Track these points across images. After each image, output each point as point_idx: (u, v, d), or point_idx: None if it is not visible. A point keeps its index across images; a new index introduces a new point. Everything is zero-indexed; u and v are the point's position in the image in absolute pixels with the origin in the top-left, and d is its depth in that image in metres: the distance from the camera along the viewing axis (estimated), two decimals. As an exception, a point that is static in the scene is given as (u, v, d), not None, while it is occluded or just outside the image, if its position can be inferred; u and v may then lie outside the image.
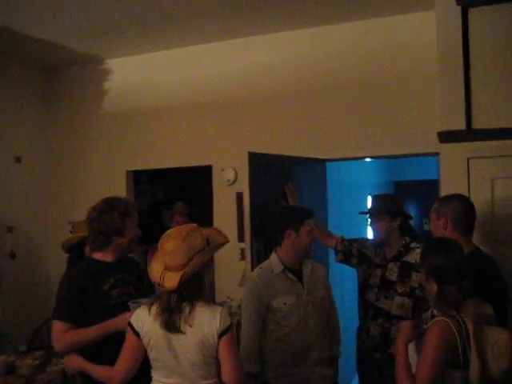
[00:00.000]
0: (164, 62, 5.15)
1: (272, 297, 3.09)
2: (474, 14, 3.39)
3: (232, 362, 2.31)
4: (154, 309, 2.35)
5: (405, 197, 9.01)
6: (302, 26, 4.55)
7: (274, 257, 3.22)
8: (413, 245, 3.44)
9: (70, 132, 5.54)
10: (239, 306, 4.11)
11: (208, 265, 2.43)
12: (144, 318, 2.37)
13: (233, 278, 4.50)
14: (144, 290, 2.83)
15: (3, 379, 3.76)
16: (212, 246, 2.43)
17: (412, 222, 3.70)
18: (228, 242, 2.53)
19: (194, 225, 2.47)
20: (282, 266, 3.16)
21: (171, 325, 2.30)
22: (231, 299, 4.34)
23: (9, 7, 4.03)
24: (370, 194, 4.63)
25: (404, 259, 3.43)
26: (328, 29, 4.52)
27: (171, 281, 2.30)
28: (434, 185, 4.21)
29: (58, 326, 2.73)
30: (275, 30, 4.65)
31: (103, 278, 2.82)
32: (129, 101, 5.28)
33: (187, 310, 2.31)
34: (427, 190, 6.92)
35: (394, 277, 3.43)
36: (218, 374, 2.34)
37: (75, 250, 3.73)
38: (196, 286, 2.36)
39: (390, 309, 3.39)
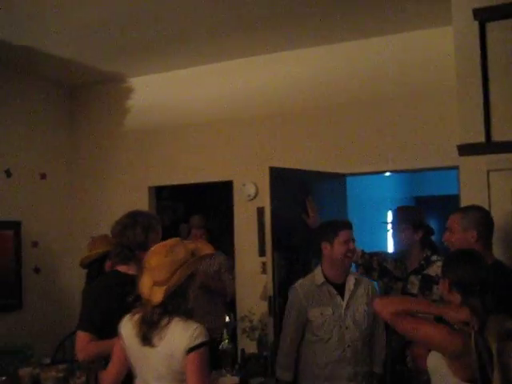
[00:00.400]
0: (185, 80, 5.25)
1: (310, 307, 3.20)
2: (492, 27, 3.41)
3: (194, 381, 2.27)
4: (137, 317, 2.39)
5: (425, 212, 8.97)
6: (322, 42, 4.62)
7: (318, 269, 3.34)
8: (434, 258, 3.41)
9: (93, 149, 5.66)
10: (260, 320, 4.14)
11: (192, 277, 2.43)
12: (126, 322, 2.44)
13: (254, 292, 4.53)
14: None
15: (29, 391, 3.83)
16: (195, 258, 2.45)
17: (433, 237, 3.65)
18: (213, 252, 2.59)
19: (177, 239, 2.49)
20: (323, 279, 3.26)
21: (146, 338, 2.33)
22: (253, 313, 4.36)
23: (34, 27, 4.18)
24: (390, 209, 4.62)
25: (425, 272, 3.38)
26: (348, 45, 4.59)
27: (157, 296, 2.34)
28: (454, 200, 4.19)
29: (81, 336, 2.78)
30: (295, 47, 4.72)
31: (127, 290, 2.87)
32: (150, 118, 5.38)
33: (164, 323, 2.32)
34: (448, 205, 6.88)
35: (415, 290, 3.40)
36: None
37: (94, 266, 3.79)
38: (180, 300, 2.38)
39: None
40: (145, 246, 2.82)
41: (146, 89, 5.44)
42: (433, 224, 9.16)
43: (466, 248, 2.72)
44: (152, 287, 2.38)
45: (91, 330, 2.76)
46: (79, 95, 5.76)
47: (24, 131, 5.21)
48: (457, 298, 2.33)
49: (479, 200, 3.33)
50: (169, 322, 2.33)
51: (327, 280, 3.26)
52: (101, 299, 2.82)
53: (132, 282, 2.87)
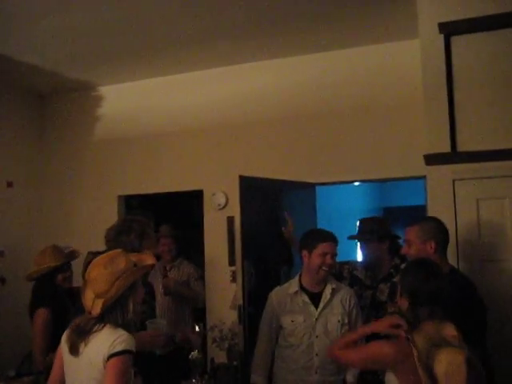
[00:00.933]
0: (154, 89, 5.25)
1: (283, 314, 3.29)
2: (457, 41, 3.51)
3: None
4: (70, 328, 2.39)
5: (394, 222, 9.08)
6: (291, 53, 4.68)
7: (296, 277, 3.39)
8: (403, 266, 3.36)
9: (62, 157, 5.60)
10: (230, 329, 4.12)
11: (133, 288, 2.40)
12: (66, 332, 2.42)
13: (224, 300, 4.52)
14: (154, 307, 2.96)
15: (-8, 404, 3.75)
16: (134, 269, 2.42)
17: (401, 242, 3.71)
18: (153, 264, 2.57)
19: (119, 250, 2.47)
20: (297, 288, 3.31)
21: (73, 347, 2.32)
22: (223, 322, 4.33)
23: (2, 34, 4.12)
24: (359, 220, 4.69)
25: (394, 280, 3.37)
26: (318, 56, 4.66)
27: (97, 308, 2.32)
28: (422, 210, 4.27)
29: None
30: (266, 58, 4.77)
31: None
32: (120, 127, 5.36)
33: (93, 331, 2.31)
34: (416, 215, 6.99)
35: (384, 297, 3.43)
36: None
37: (42, 280, 3.72)
38: (119, 311, 2.36)
39: None
40: (139, 252, 2.81)
41: (116, 98, 5.42)
42: (401, 233, 9.28)
43: (422, 258, 2.78)
44: (94, 299, 2.35)
45: None
46: (49, 103, 5.70)
47: (-9, 138, 5.13)
48: (404, 303, 2.41)
49: (445, 209, 3.42)
50: (97, 330, 2.31)
51: (303, 288, 3.31)
52: None
53: None
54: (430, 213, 3.63)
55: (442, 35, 3.53)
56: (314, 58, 4.66)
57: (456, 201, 3.46)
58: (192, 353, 4.06)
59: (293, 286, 3.34)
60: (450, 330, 2.29)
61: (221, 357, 4.17)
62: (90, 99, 5.50)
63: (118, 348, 2.24)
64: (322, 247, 3.24)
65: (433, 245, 2.90)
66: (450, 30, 3.49)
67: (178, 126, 5.12)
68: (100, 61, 4.80)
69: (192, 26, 4.10)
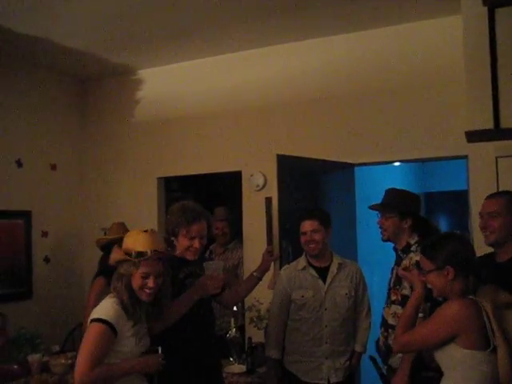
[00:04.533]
0: (193, 71, 5.27)
1: (293, 290, 3.46)
2: (501, 13, 3.41)
3: (81, 349, 2.39)
4: None
5: (436, 208, 8.95)
6: (330, 32, 4.61)
7: (303, 255, 3.55)
8: (413, 248, 3.14)
9: (103, 140, 5.69)
10: (268, 310, 4.14)
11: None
12: None
13: (262, 281, 4.53)
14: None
15: (38, 376, 3.88)
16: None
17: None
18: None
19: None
20: (305, 264, 3.50)
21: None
22: (260, 303, 4.35)
23: (44, 18, 4.19)
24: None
25: (401, 265, 3.15)
26: (354, 35, 4.58)
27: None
28: (465, 196, 4.16)
29: None
30: (302, 38, 4.72)
31: (179, 267, 2.95)
32: (160, 109, 5.41)
33: None
34: (458, 200, 6.85)
35: (391, 283, 3.26)
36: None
37: (107, 250, 3.82)
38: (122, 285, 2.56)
39: (387, 317, 3.20)
40: (176, 235, 2.97)
41: (155, 80, 5.47)
42: (443, 219, 9.14)
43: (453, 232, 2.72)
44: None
45: None
46: (90, 87, 5.80)
47: (35, 122, 5.25)
48: (451, 271, 2.32)
49: (488, 187, 3.33)
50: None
51: (311, 264, 3.49)
52: None
53: (181, 262, 2.96)
54: (472, 192, 3.56)
55: (486, 7, 3.43)
56: (353, 37, 4.58)
57: (499, 179, 3.38)
58: (229, 332, 4.13)
59: (301, 262, 3.52)
60: (505, 295, 2.30)
61: (258, 336, 4.21)
62: (129, 83, 5.56)
63: (95, 316, 2.43)
64: (302, 226, 3.46)
65: None
66: (493, 1, 3.39)
67: (217, 108, 5.13)
68: (139, 44, 4.83)
69: (233, 6, 4.07)
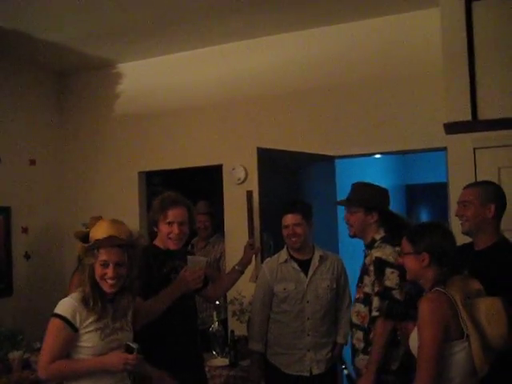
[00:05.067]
0: (174, 65, 5.24)
1: (275, 283, 3.46)
2: (478, 6, 3.44)
3: (43, 344, 2.44)
4: None
5: (416, 200, 9.04)
6: (309, 26, 4.61)
7: (284, 248, 3.56)
8: (377, 244, 3.08)
9: (83, 134, 5.64)
10: (250, 303, 4.15)
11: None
12: None
13: (244, 274, 4.54)
14: None
15: (19, 373, 3.85)
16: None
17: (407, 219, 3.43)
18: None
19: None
20: (287, 256, 3.50)
21: None
22: (243, 296, 4.36)
23: (22, 11, 4.13)
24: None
25: (365, 261, 3.17)
26: (335, 28, 4.58)
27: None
28: (444, 188, 4.20)
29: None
30: (283, 31, 4.71)
31: (164, 261, 2.97)
32: (140, 103, 5.37)
33: None
34: (439, 192, 6.94)
35: (358, 280, 3.23)
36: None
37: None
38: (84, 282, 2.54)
39: (351, 316, 3.20)
40: (157, 225, 3.02)
41: (134, 74, 5.43)
42: (424, 211, 9.24)
43: (433, 221, 2.75)
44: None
45: (142, 296, 2.78)
46: (68, 81, 5.73)
47: (13, 117, 5.17)
48: (421, 262, 2.36)
49: (466, 178, 3.36)
50: None
51: (292, 257, 3.50)
52: (143, 266, 2.84)
53: (165, 254, 2.98)
54: (451, 183, 3.59)
55: (463, 1, 3.46)
56: (332, 30, 4.59)
57: (477, 170, 3.42)
58: (212, 326, 4.14)
59: (282, 255, 3.53)
60: (475, 284, 2.33)
61: (241, 329, 4.22)
62: (109, 76, 5.51)
63: (54, 310, 2.44)
64: (284, 220, 3.46)
65: (492, 208, 2.70)
66: (470, -6, 3.43)
67: (197, 101, 5.11)
68: (118, 38, 4.79)
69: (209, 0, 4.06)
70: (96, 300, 2.44)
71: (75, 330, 2.40)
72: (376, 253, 3.01)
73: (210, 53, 5.06)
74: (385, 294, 2.92)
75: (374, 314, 2.93)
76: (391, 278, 2.92)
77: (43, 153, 5.49)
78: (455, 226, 2.94)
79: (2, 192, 5.01)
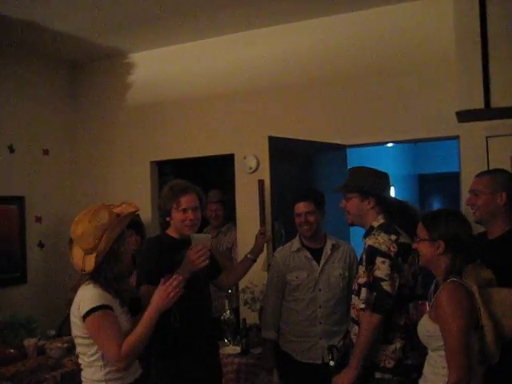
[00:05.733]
0: (184, 54, 5.24)
1: (288, 271, 3.48)
2: (492, -8, 3.41)
3: (99, 343, 2.34)
4: None
5: (429, 190, 9.01)
6: (321, 14, 4.58)
7: (296, 237, 3.57)
8: (374, 231, 2.91)
9: (95, 125, 5.67)
10: (261, 291, 4.18)
11: (122, 238, 2.44)
12: None
13: (255, 263, 4.56)
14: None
15: (34, 359, 3.91)
16: (119, 217, 2.43)
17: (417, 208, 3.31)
18: (137, 209, 2.55)
19: (101, 204, 2.50)
20: (299, 245, 3.51)
21: (69, 305, 2.44)
22: (254, 285, 4.38)
23: (33, 1, 4.14)
24: (392, 186, 4.52)
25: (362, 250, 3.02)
26: (346, 16, 4.55)
27: (89, 264, 2.36)
28: (457, 177, 4.18)
29: (144, 289, 2.81)
30: (295, 19, 4.69)
31: (177, 249, 2.96)
32: (152, 93, 5.38)
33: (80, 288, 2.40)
34: (451, 182, 6.91)
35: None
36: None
37: None
38: (112, 263, 2.40)
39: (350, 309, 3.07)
40: (169, 214, 3.01)
41: (147, 64, 5.44)
42: (437, 200, 9.21)
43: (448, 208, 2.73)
44: (84, 256, 2.38)
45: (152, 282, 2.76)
46: (81, 71, 5.76)
47: (26, 107, 5.22)
48: (436, 249, 2.36)
49: (479, 166, 3.35)
50: (82, 286, 2.40)
51: (304, 246, 3.51)
52: (155, 255, 2.93)
53: (178, 243, 2.98)
54: (463, 171, 3.58)
55: (477, -13, 3.43)
56: (344, 18, 4.55)
57: (489, 158, 3.40)
58: (224, 314, 4.17)
59: (295, 244, 3.54)
60: (487, 273, 2.33)
61: (252, 318, 4.25)
62: (121, 66, 5.52)
63: (85, 308, 2.32)
64: (296, 208, 3.47)
65: (504, 197, 2.68)
66: (484, -20, 3.39)
67: (209, 91, 5.11)
68: (130, 28, 4.80)
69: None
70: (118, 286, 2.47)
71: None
72: (369, 241, 2.86)
73: (221, 42, 5.05)
74: (373, 284, 2.76)
75: (361, 306, 2.80)
76: (382, 268, 2.74)
77: (56, 143, 5.53)
78: (467, 215, 2.91)
79: (16, 182, 5.06)
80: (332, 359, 3.05)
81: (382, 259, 2.76)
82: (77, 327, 2.41)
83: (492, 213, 2.71)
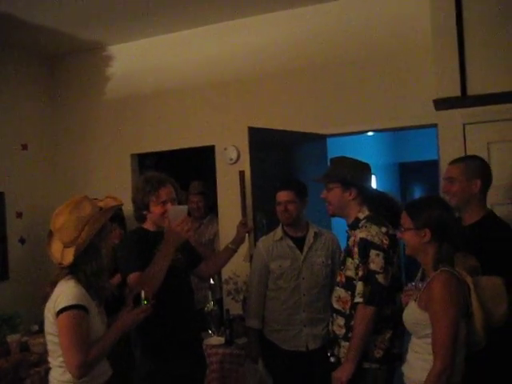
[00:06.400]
0: (164, 46, 5.21)
1: (271, 260, 3.49)
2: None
3: (63, 343, 2.24)
4: None
5: (410, 178, 9.09)
6: (298, 4, 4.59)
7: (279, 226, 3.59)
8: (361, 223, 2.90)
9: (74, 118, 5.62)
10: (244, 282, 4.20)
11: (103, 232, 2.39)
12: None
13: (238, 254, 4.54)
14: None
15: (18, 355, 3.90)
16: (102, 211, 2.38)
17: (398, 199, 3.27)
18: (121, 203, 2.50)
19: (83, 196, 2.44)
20: (282, 234, 3.53)
21: (44, 299, 2.36)
22: (237, 275, 4.40)
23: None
24: (373, 174, 4.56)
25: (348, 242, 2.99)
26: (324, 6, 4.55)
27: (67, 257, 2.29)
28: (437, 165, 4.22)
29: (134, 276, 2.80)
30: (272, 10, 4.69)
31: (154, 243, 2.95)
32: (131, 85, 5.36)
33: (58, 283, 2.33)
34: (431, 170, 6.98)
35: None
36: None
37: None
38: (92, 257, 2.34)
39: (332, 301, 3.07)
40: (147, 207, 3.00)
41: (125, 56, 5.41)
42: (417, 189, 9.29)
43: (431, 195, 2.74)
44: (63, 249, 2.32)
45: (141, 268, 2.78)
46: (59, 64, 5.70)
47: (4, 102, 5.16)
48: (423, 237, 2.35)
49: (456, 153, 3.37)
50: (61, 281, 2.33)
51: (287, 234, 3.53)
52: (139, 243, 2.94)
53: (156, 236, 2.97)
54: (442, 158, 3.61)
55: (453, -25, 3.45)
56: (321, 7, 4.56)
57: (467, 145, 3.43)
58: (207, 305, 4.18)
59: (277, 233, 3.56)
60: (472, 260, 2.35)
61: (236, 308, 4.27)
62: (99, 59, 5.48)
63: (60, 305, 2.25)
64: (278, 196, 3.50)
65: (478, 183, 2.71)
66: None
67: (189, 82, 5.09)
68: (108, 20, 4.76)
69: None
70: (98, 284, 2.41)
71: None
72: (361, 233, 2.83)
73: (199, 33, 5.04)
74: (368, 277, 2.77)
75: (358, 299, 2.78)
76: (376, 261, 2.76)
77: (35, 137, 5.48)
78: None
79: (-5, 177, 5.01)
80: (332, 355, 3.02)
81: (376, 252, 2.78)
82: (49, 323, 2.33)
83: (467, 199, 2.74)
